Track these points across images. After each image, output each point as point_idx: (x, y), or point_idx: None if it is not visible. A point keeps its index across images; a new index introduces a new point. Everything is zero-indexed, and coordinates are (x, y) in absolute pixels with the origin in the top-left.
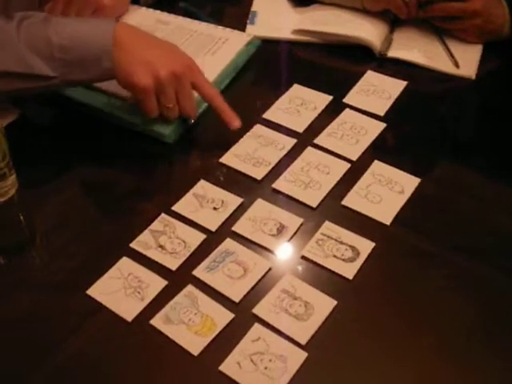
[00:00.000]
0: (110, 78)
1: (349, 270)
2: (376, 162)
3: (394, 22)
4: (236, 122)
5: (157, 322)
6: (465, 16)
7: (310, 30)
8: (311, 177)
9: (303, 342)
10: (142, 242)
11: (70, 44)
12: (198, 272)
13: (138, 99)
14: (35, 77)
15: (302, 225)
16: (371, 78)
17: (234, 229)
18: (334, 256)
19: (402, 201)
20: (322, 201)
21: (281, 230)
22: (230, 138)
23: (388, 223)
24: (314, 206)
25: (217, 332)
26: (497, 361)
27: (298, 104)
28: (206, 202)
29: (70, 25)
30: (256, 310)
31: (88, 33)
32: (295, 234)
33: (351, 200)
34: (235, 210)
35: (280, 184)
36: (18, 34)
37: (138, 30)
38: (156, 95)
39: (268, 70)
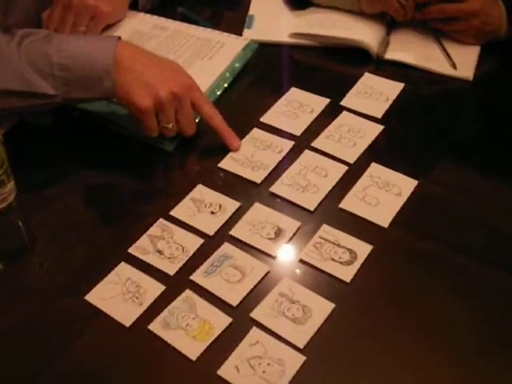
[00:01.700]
0: (111, 97)
1: (347, 273)
2: (373, 164)
3: (390, 24)
4: (236, 143)
5: (155, 326)
6: (462, 17)
7: (306, 34)
8: (309, 180)
9: (301, 345)
10: (140, 247)
11: (71, 63)
12: (196, 277)
13: (137, 118)
14: (36, 95)
15: (299, 228)
16: (368, 80)
17: (231, 233)
18: (332, 259)
19: (399, 203)
20: (320, 204)
21: (278, 233)
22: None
23: (386, 226)
24: (312, 209)
25: (215, 336)
26: (498, 362)
27: (296, 107)
28: (203, 206)
29: (71, 43)
30: (254, 314)
31: (89, 52)
32: (293, 237)
33: (349, 203)
34: (233, 214)
35: (277, 187)
36: (19, 51)
37: (138, 48)
38: (156, 115)
39: (265, 73)
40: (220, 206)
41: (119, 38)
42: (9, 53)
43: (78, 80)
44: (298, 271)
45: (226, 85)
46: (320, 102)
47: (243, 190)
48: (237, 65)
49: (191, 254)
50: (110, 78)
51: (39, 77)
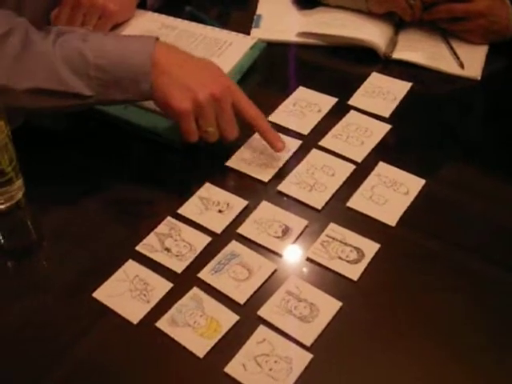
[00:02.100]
0: (147, 99)
1: (354, 272)
2: (381, 163)
3: (398, 24)
4: (280, 144)
5: (162, 324)
6: (469, 17)
7: (314, 33)
8: (316, 179)
9: (308, 343)
10: (148, 245)
11: (107, 64)
12: (204, 274)
13: (176, 121)
14: (70, 95)
15: (306, 227)
16: (376, 79)
17: (239, 231)
18: (339, 257)
19: (407, 202)
20: (327, 203)
21: (286, 231)
22: (236, 141)
23: (393, 224)
24: (319, 207)
25: (222, 334)
26: (503, 361)
27: (303, 106)
28: (211, 204)
29: (107, 44)
30: (261, 312)
31: (126, 53)
32: (300, 235)
33: (356, 201)
34: (240, 213)
35: (285, 186)
36: (54, 49)
37: (176, 49)
38: (195, 118)
39: (273, 72)
40: (228, 205)
41: (157, 38)
42: (44, 50)
43: (113, 81)
44: (305, 269)
45: None
46: (327, 102)
47: (251, 189)
48: (244, 64)
49: (199, 251)
50: (148, 79)
51: (75, 76)
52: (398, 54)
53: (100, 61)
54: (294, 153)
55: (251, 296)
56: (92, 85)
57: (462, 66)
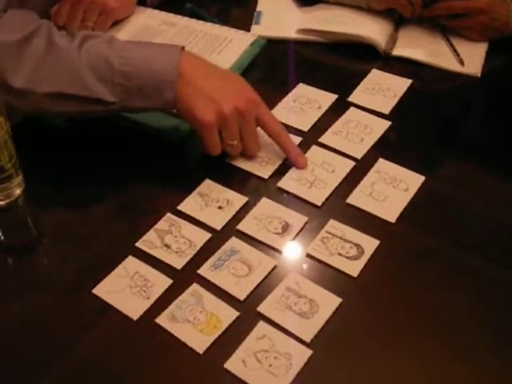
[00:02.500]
0: (171, 109)
1: (353, 268)
2: (381, 160)
3: (398, 20)
4: (303, 160)
5: (162, 320)
6: (469, 14)
7: (314, 30)
8: (316, 175)
9: (308, 339)
10: (148, 241)
11: (132, 71)
12: (203, 271)
13: (199, 134)
14: (94, 100)
15: (306, 223)
16: (376, 76)
17: (238, 227)
18: (339, 254)
19: (406, 199)
20: (327, 199)
21: (286, 228)
22: None
23: (393, 221)
24: (319, 204)
25: (222, 330)
26: (503, 358)
27: (303, 103)
28: (211, 201)
29: (133, 50)
30: (261, 308)
31: (152, 61)
32: (300, 232)
33: (356, 198)
34: (240, 209)
35: (285, 183)
36: (79, 54)
37: (202, 60)
38: (219, 131)
39: (273, 69)
40: (227, 201)
41: (183, 47)
42: (69, 55)
43: (137, 89)
44: (304, 266)
45: None
46: (327, 98)
47: (251, 185)
48: (244, 61)
49: (198, 248)
50: (172, 89)
51: (99, 82)
52: (397, 51)
53: (125, 67)
54: None
55: (251, 292)
56: (116, 91)
57: (461, 62)
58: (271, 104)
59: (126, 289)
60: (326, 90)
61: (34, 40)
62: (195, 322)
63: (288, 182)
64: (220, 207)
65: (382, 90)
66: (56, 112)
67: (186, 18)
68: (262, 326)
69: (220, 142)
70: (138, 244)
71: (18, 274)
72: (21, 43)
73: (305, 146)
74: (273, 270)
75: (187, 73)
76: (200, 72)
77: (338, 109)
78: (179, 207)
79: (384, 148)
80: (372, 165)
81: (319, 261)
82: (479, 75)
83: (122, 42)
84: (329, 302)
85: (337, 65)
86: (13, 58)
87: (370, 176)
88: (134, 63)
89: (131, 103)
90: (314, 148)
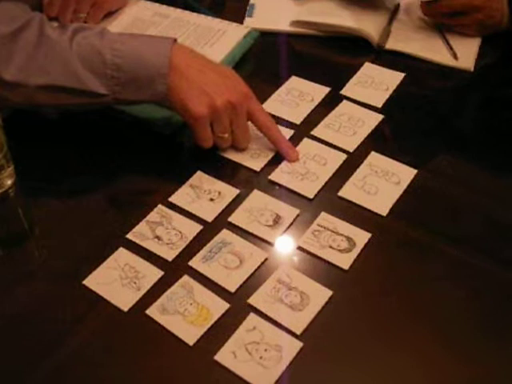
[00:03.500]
0: (163, 101)
1: (345, 261)
2: (373, 153)
3: (392, 14)
4: (294, 154)
5: (153, 312)
6: (467, 11)
7: (307, 21)
8: (308, 168)
9: (298, 331)
10: (139, 233)
11: (124, 63)
12: (194, 262)
13: (191, 126)
14: (86, 93)
15: (298, 216)
16: (369, 69)
17: (230, 220)
18: (330, 247)
19: (398, 192)
20: (319, 192)
21: (277, 220)
22: None
23: (384, 214)
24: (311, 196)
25: (212, 322)
26: (492, 347)
27: (296, 96)
28: (202, 193)
29: (125, 43)
30: (251, 300)
31: (143, 53)
32: (291, 224)
33: (348, 191)
34: (232, 201)
35: (277, 175)
36: (71, 46)
37: (194, 53)
38: (210, 124)
39: (266, 62)
40: (219, 193)
41: (175, 40)
42: (60, 47)
43: (130, 81)
44: (296, 258)
45: None
46: (320, 91)
47: (242, 178)
48: (237, 53)
49: (190, 240)
50: (164, 81)
51: (91, 75)
52: (391, 45)
53: (117, 60)
54: None
55: (242, 284)
56: (108, 84)
57: (455, 56)
58: (264, 96)
59: (117, 280)
60: (318, 82)
61: (25, 32)
62: (186, 314)
63: (280, 175)
64: (211, 199)
65: (374, 84)
66: (48, 105)
67: (179, 10)
68: (252, 318)
69: (211, 135)
70: (128, 236)
71: (9, 266)
72: (12, 36)
73: (297, 139)
74: (264, 262)
75: (179, 65)
76: (192, 64)
77: (331, 102)
78: (171, 199)
79: (376, 141)
80: (364, 158)
81: (310, 253)
82: (472, 69)
83: (113, 34)
84: (320, 295)
85: (330, 58)
86: (4, 50)
87: (362, 169)
88: (126, 55)
89: (124, 95)
90: (306, 141)
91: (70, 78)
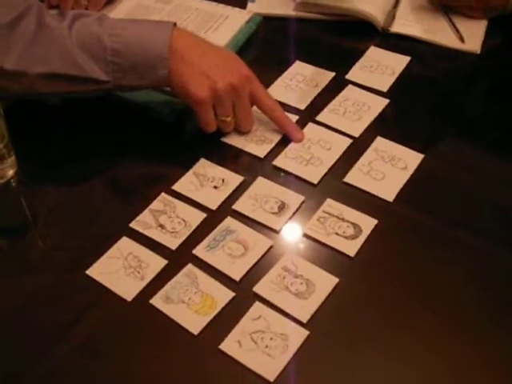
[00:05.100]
0: (164, 86)
1: (351, 248)
2: (379, 138)
3: None
4: (299, 134)
5: (157, 301)
6: None
7: (312, 3)
8: (312, 153)
9: (304, 320)
10: (142, 222)
11: (124, 49)
12: (199, 251)
13: (193, 111)
14: (87, 80)
15: (303, 202)
16: (374, 53)
17: (234, 207)
18: (336, 233)
19: (405, 177)
20: (324, 178)
21: (282, 207)
22: None
23: (391, 200)
24: (315, 182)
25: (217, 311)
26: (502, 331)
27: (300, 81)
28: (206, 180)
29: (125, 28)
30: (257, 289)
31: (144, 38)
32: (296, 211)
33: (353, 177)
34: (236, 189)
35: (280, 160)
36: (70, 34)
37: (194, 36)
38: (213, 107)
39: (269, 47)
40: (223, 181)
41: (175, 24)
42: (60, 34)
43: (130, 66)
44: (301, 245)
45: None
46: (325, 76)
47: (246, 164)
48: (240, 38)
49: (194, 228)
50: (165, 65)
51: (91, 61)
52: (396, 28)
53: (117, 45)
54: None
55: (247, 272)
56: (108, 70)
57: (461, 39)
58: (267, 82)
59: (120, 270)
60: (323, 67)
61: (24, 21)
62: (190, 303)
63: (284, 160)
64: (215, 187)
65: (380, 68)
66: (49, 93)
67: None
68: (257, 306)
69: (214, 119)
70: (131, 225)
71: (12, 256)
72: (11, 24)
73: (301, 125)
74: (269, 250)
75: (180, 49)
76: (193, 48)
77: (336, 87)
78: (174, 187)
79: (382, 126)
80: (370, 143)
81: (316, 240)
82: (479, 52)
83: (113, 20)
84: (326, 282)
85: (334, 42)
86: (3, 39)
87: (368, 154)
88: (126, 41)
89: (125, 81)
90: (311, 125)
91: (70, 66)
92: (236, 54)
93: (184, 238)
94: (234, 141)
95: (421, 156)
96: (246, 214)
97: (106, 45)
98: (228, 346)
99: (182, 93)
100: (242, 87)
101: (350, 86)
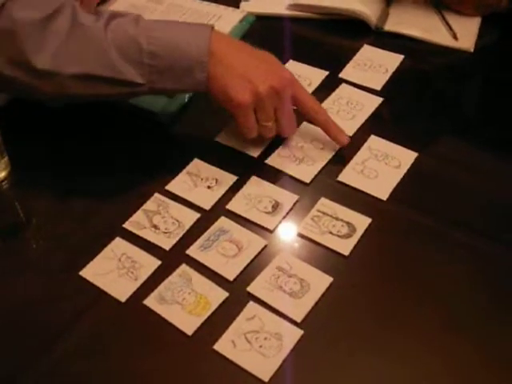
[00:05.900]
0: (202, 90)
1: (345, 247)
2: (372, 136)
3: None
4: (344, 138)
5: (151, 301)
6: None
7: (305, 4)
8: (305, 152)
9: (299, 319)
10: (135, 222)
11: (162, 51)
12: (192, 251)
13: (234, 116)
14: (122, 82)
15: (297, 201)
16: (367, 52)
17: (228, 207)
18: (330, 232)
19: (398, 176)
20: (318, 177)
21: (276, 207)
22: (225, 117)
23: (384, 198)
24: (308, 181)
25: (211, 311)
26: (498, 329)
27: None
28: (199, 180)
29: (162, 30)
30: (251, 289)
31: (181, 40)
32: (290, 210)
33: (347, 175)
34: (229, 188)
35: (273, 160)
36: (106, 34)
37: (232, 39)
38: (254, 112)
39: (263, 46)
40: (216, 180)
41: (212, 27)
42: (95, 34)
43: (167, 69)
44: (295, 245)
45: None
46: (318, 75)
47: (240, 164)
48: (234, 38)
49: (187, 228)
50: (204, 69)
51: (127, 63)
52: (389, 26)
53: (154, 48)
54: None
55: (241, 272)
56: (144, 72)
57: (455, 37)
58: None
59: (114, 271)
60: (316, 66)
61: (58, 18)
62: (184, 304)
63: (276, 159)
64: (209, 186)
65: (373, 66)
66: (80, 95)
67: None
68: (251, 306)
69: (256, 124)
70: (125, 225)
71: (5, 258)
72: (45, 21)
73: None
74: (263, 249)
75: (219, 52)
76: (231, 51)
77: (329, 85)
78: (167, 187)
79: (376, 124)
80: (364, 142)
81: (310, 240)
82: (472, 50)
83: (149, 22)
84: (320, 282)
85: (327, 41)
86: (36, 36)
87: (362, 153)
88: (163, 43)
89: (161, 85)
90: (304, 124)
91: (105, 67)
92: (274, 56)
93: (178, 238)
94: (227, 140)
95: (414, 154)
96: (240, 213)
97: (143, 47)
98: (222, 346)
99: (222, 97)
100: (283, 90)
101: (343, 85)
